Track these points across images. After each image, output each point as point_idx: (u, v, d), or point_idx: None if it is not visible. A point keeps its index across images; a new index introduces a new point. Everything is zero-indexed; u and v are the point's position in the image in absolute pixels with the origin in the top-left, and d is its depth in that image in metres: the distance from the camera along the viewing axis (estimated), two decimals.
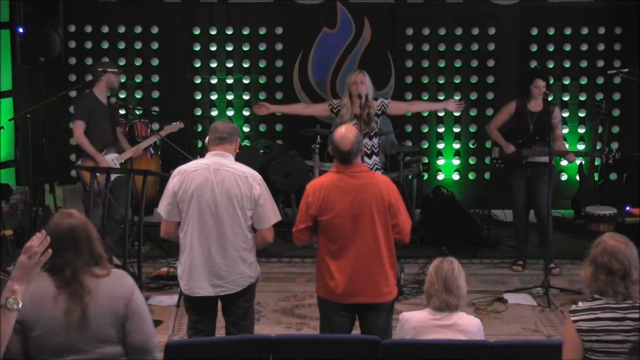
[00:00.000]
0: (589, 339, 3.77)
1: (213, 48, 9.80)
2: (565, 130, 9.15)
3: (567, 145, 8.40)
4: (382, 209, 5.12)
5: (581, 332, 3.78)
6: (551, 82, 8.46)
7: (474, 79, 9.85)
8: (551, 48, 9.79)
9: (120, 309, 3.54)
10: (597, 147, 8.67)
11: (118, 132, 8.27)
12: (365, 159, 7.47)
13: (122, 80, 9.64)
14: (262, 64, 9.81)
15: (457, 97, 8.46)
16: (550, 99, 7.93)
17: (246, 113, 9.86)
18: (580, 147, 9.60)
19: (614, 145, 9.59)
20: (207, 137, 5.32)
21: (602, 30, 9.76)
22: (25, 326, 3.49)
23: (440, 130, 9.92)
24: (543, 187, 7.72)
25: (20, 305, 3.28)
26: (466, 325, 4.62)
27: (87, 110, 7.84)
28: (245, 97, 9.87)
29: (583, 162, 9.41)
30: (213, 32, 9.78)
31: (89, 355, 3.51)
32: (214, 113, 9.81)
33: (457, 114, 9.68)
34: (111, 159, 7.86)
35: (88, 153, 7.80)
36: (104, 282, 3.56)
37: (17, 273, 3.30)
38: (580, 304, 3.88)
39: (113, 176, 7.29)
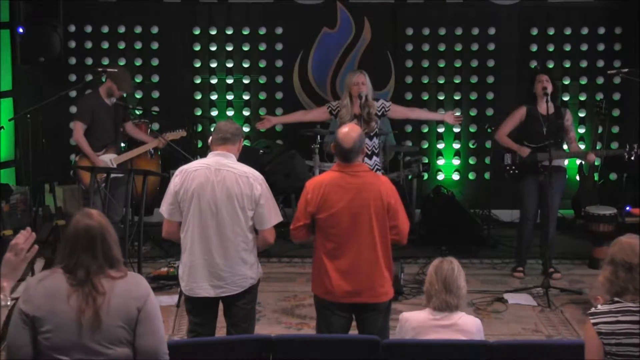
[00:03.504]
0: (609, 342, 3.72)
1: (213, 48, 9.80)
2: None
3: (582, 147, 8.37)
4: (380, 210, 5.12)
5: (601, 335, 3.73)
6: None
7: (474, 79, 9.85)
8: (551, 48, 9.79)
9: (133, 311, 3.53)
10: (597, 147, 8.66)
11: (132, 128, 8.29)
12: (366, 159, 7.47)
13: None
14: (262, 64, 9.81)
15: (457, 113, 8.46)
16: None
17: (246, 113, 9.86)
18: (581, 147, 9.57)
19: (614, 145, 9.60)
20: (210, 137, 5.32)
21: (602, 30, 9.76)
22: (37, 321, 3.48)
23: (440, 130, 9.92)
24: (554, 192, 7.67)
25: (8, 302, 3.29)
26: (466, 325, 4.62)
27: (90, 111, 7.85)
28: (245, 97, 9.87)
29: (581, 163, 9.39)
30: (213, 32, 9.78)
31: (97, 355, 3.51)
32: (214, 113, 9.81)
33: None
34: (109, 159, 7.85)
35: (85, 153, 7.83)
36: (119, 283, 3.56)
37: (4, 270, 3.32)
38: (599, 306, 3.82)
39: (110, 176, 7.29)
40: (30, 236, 3.34)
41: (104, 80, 8.14)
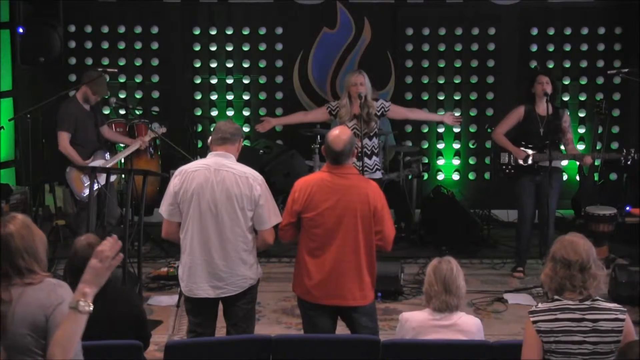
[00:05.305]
0: (548, 339, 3.79)
1: (213, 48, 9.80)
2: None
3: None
4: (366, 213, 5.11)
5: (540, 333, 3.81)
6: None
7: (474, 79, 9.85)
8: (551, 48, 9.79)
9: (39, 319, 3.39)
10: (597, 147, 8.67)
11: (109, 132, 8.21)
12: (366, 159, 7.46)
13: (122, 80, 9.67)
14: (262, 64, 9.81)
15: (457, 114, 8.47)
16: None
17: (246, 113, 9.86)
18: (580, 147, 9.60)
19: (614, 145, 9.60)
20: (210, 137, 5.32)
21: (602, 30, 9.76)
22: None
23: (440, 130, 9.92)
24: (552, 192, 7.67)
25: (91, 308, 3.24)
26: (466, 325, 4.62)
27: (72, 119, 7.66)
28: (245, 97, 9.87)
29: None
30: (213, 32, 9.78)
31: None
32: (214, 113, 9.81)
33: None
34: (99, 165, 7.76)
35: (76, 163, 7.62)
36: (29, 290, 3.43)
37: (88, 276, 3.25)
38: (539, 304, 3.92)
39: (110, 179, 7.26)
40: (115, 244, 3.30)
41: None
